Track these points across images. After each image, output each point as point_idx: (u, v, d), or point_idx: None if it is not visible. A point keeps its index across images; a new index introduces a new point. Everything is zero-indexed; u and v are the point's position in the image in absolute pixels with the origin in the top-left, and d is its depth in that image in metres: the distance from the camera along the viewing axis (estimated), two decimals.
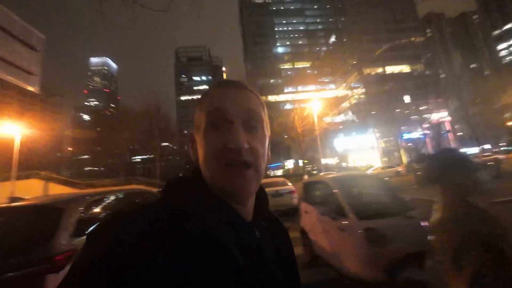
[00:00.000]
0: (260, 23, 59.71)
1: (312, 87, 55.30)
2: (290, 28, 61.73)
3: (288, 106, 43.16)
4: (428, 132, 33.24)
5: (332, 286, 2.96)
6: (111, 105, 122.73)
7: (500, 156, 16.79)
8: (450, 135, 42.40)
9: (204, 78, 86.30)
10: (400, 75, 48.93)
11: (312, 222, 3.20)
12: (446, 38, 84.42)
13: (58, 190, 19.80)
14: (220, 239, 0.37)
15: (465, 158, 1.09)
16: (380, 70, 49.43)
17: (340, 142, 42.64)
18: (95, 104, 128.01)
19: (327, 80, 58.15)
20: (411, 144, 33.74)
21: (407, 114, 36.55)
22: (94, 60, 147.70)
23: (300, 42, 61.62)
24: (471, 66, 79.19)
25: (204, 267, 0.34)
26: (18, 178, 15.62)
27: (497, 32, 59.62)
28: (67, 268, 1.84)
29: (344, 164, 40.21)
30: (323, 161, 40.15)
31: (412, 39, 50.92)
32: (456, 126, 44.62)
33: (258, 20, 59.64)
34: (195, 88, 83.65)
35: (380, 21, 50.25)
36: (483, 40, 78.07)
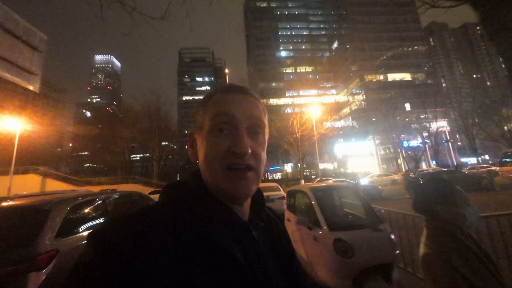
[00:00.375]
0: (264, 27, 60.25)
1: (313, 91, 55.61)
2: (293, 33, 62.23)
3: (288, 110, 43.48)
4: (428, 141, 33.24)
5: None
6: (113, 102, 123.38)
7: (495, 168, 16.80)
8: (450, 145, 42.45)
9: (206, 79, 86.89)
10: (401, 83, 49.18)
11: (292, 230, 3.31)
12: (449, 48, 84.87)
13: (55, 186, 19.96)
14: (222, 240, 0.37)
15: (452, 191, 1.03)
16: (381, 77, 49.69)
17: (339, 148, 42.75)
18: (97, 101, 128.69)
19: (329, 86, 58.45)
20: (410, 152, 33.75)
21: (407, 122, 36.65)
22: (98, 57, 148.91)
23: (303, 47, 62.06)
24: (474, 76, 79.42)
25: (207, 269, 0.34)
26: (16, 172, 15.79)
27: None
28: (50, 267, 1.97)
29: (342, 170, 40.26)
30: (321, 166, 40.20)
31: (415, 48, 51.24)
32: (457, 136, 44.66)
33: (262, 25, 60.20)
34: (197, 89, 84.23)
35: (383, 29, 50.64)
36: (485, 51, 78.40)
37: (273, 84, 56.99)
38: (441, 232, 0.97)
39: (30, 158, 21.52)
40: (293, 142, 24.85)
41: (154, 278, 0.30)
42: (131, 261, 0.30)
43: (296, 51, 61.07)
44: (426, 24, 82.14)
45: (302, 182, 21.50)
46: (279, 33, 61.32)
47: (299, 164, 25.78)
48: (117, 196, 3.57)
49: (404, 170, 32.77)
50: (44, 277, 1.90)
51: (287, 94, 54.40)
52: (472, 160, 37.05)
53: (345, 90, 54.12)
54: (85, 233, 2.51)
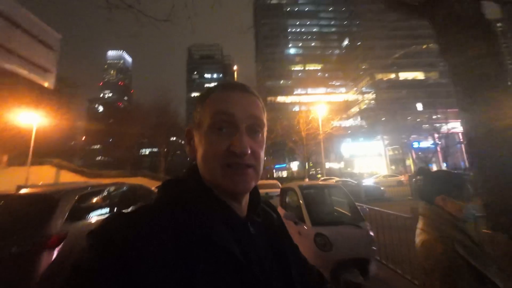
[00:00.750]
0: (274, 24, 59.79)
1: (321, 90, 54.96)
2: (303, 30, 61.45)
3: (296, 108, 43.32)
4: (439, 142, 32.24)
5: None
6: (125, 98, 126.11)
7: None
8: (463, 147, 41.06)
9: (215, 76, 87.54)
10: (413, 82, 47.77)
11: None
12: None
13: (68, 177, 21.00)
14: (221, 239, 0.37)
15: (463, 184, 1.01)
16: (392, 76, 48.45)
17: (347, 147, 42.26)
18: (109, 97, 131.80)
19: (338, 84, 57.56)
20: (420, 153, 32.89)
21: (418, 122, 35.68)
22: (111, 53, 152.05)
23: (312, 44, 61.22)
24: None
25: (207, 268, 0.34)
26: (33, 164, 16.71)
27: None
28: (61, 246, 2.27)
29: (349, 169, 39.87)
30: (328, 165, 39.83)
31: (429, 46, 49.54)
32: None
33: (271, 22, 59.73)
34: (206, 85, 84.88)
35: (395, 27, 49.19)
36: (506, 49, 74.85)
37: (281, 82, 56.66)
38: (441, 219, 0.98)
39: (45, 151, 22.57)
40: (299, 141, 24.88)
41: (154, 278, 0.29)
42: (130, 261, 0.30)
43: (305, 48, 60.34)
44: None
45: (306, 180, 21.57)
46: (288, 30, 60.72)
47: (306, 163, 25.82)
48: (124, 189, 3.90)
49: (412, 171, 32.10)
50: (56, 255, 2.22)
51: (294, 92, 54.05)
52: None
53: (355, 89, 53.12)
54: (93, 219, 2.84)
